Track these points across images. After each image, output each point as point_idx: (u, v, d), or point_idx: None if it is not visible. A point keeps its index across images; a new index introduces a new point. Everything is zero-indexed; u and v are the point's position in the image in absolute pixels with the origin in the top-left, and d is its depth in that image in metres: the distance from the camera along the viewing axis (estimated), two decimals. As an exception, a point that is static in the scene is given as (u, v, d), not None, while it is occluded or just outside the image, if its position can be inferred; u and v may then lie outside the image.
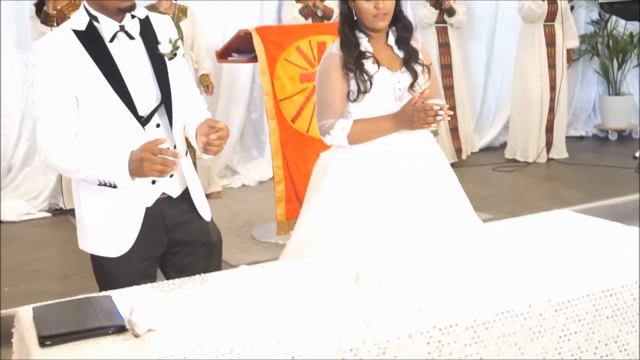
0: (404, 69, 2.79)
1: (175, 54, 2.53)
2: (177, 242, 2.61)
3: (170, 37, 2.53)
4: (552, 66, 6.76)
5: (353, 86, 2.76)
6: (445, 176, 2.86)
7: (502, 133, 7.53)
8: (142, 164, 2.35)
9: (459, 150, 6.85)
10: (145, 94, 2.50)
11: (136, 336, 1.91)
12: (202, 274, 2.38)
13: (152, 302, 2.16)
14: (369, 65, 2.77)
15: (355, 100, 2.77)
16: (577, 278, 2.18)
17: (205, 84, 5.98)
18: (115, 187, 2.43)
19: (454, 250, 2.38)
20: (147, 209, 2.53)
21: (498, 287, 2.13)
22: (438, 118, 2.67)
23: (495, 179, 6.37)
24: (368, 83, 2.74)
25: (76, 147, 2.44)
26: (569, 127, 7.87)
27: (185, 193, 2.62)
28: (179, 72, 2.60)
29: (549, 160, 6.82)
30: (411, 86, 2.81)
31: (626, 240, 2.50)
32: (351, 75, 2.75)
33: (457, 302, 2.04)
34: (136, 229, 2.51)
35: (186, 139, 2.65)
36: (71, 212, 5.36)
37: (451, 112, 2.71)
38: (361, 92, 2.75)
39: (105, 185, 2.44)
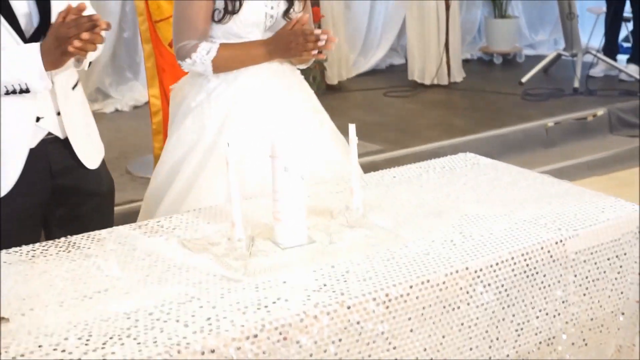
0: None
1: None
2: (63, 189, 2.31)
3: None
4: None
5: (219, 4, 2.44)
6: (318, 118, 2.63)
7: (389, 55, 7.31)
8: (57, 43, 2.04)
9: None
10: (27, 12, 2.15)
11: (-14, 328, 1.57)
12: (68, 237, 2.04)
13: (8, 277, 1.81)
14: None
15: (219, 21, 2.46)
16: (495, 239, 1.97)
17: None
18: (27, 91, 2.10)
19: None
20: (31, 150, 2.21)
21: (411, 254, 1.89)
22: (319, 44, 2.41)
23: (383, 105, 6.16)
24: (237, 3, 2.43)
25: None
26: (453, 49, 7.76)
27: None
28: None
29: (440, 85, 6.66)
30: (286, 13, 2.52)
31: (541, 191, 2.32)
32: None
33: (367, 274, 1.79)
34: (17, 171, 2.20)
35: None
36: None
37: (336, 39, 2.46)
38: (228, 12, 2.44)
39: (14, 92, 2.10)
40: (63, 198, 2.34)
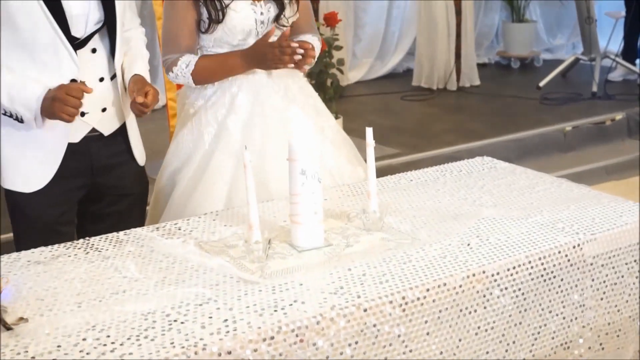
0: None
1: None
2: (101, 187, 2.37)
3: None
4: (457, -11, 6.53)
5: (205, 15, 2.44)
6: (319, 123, 2.60)
7: (406, 59, 7.30)
8: (52, 103, 2.09)
9: None
10: (83, 13, 2.19)
11: (7, 328, 1.58)
12: (87, 239, 2.05)
13: (27, 277, 1.83)
14: None
15: (206, 31, 2.46)
16: (512, 243, 1.97)
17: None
18: (21, 121, 2.16)
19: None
20: (73, 145, 2.26)
21: (427, 257, 1.89)
22: (296, 57, 2.39)
23: (400, 109, 6.16)
24: (220, 12, 2.42)
25: None
26: (471, 53, 7.74)
27: (119, 132, 2.36)
28: None
29: (459, 88, 6.63)
30: (277, 19, 2.51)
31: (558, 195, 2.31)
32: (202, 1, 2.43)
33: (383, 277, 1.79)
34: (55, 165, 2.25)
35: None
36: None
37: (315, 54, 2.44)
38: (213, 21, 2.43)
39: (10, 116, 2.17)
40: (99, 195, 2.40)
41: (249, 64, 2.47)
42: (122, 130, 2.38)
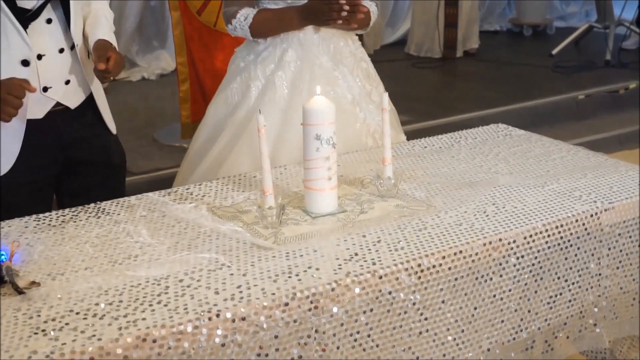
0: None
1: None
2: (74, 162, 2.29)
3: None
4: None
5: None
6: (367, 88, 2.60)
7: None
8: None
9: None
10: None
11: (19, 292, 1.56)
12: (98, 203, 2.03)
13: (39, 241, 1.81)
14: None
15: None
16: (529, 210, 1.94)
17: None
18: None
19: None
20: (36, 121, 2.16)
21: (443, 224, 1.87)
22: (342, 14, 2.38)
23: (411, 76, 6.10)
24: None
25: None
26: (482, 21, 7.65)
27: (88, 104, 2.27)
28: None
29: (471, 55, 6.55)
30: None
31: (574, 162, 2.28)
32: None
33: (399, 244, 1.77)
34: (17, 145, 2.15)
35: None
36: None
37: (366, 9, 2.41)
38: None
39: None
40: (73, 169, 2.32)
41: (304, 19, 2.48)
42: (91, 101, 2.30)
